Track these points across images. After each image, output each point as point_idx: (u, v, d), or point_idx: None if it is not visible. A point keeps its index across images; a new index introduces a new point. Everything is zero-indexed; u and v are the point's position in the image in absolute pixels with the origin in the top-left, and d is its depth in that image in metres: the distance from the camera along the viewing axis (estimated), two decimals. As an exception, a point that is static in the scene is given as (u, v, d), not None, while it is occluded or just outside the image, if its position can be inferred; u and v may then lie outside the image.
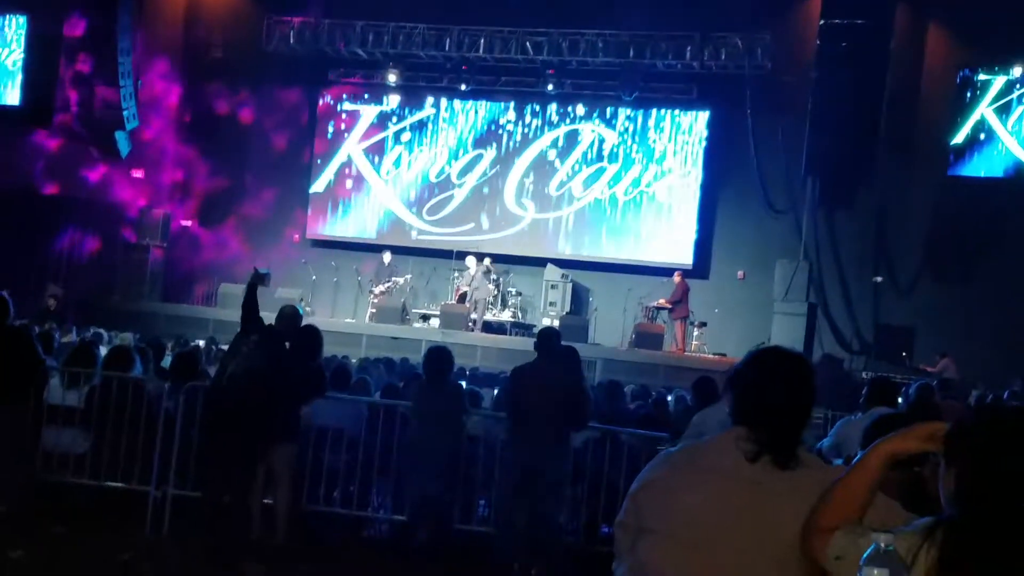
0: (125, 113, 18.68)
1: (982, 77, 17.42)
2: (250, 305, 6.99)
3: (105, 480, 7.43)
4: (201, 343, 12.78)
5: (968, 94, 17.48)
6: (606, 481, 7.20)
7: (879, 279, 17.77)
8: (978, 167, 17.40)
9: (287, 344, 7.05)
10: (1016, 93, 17.28)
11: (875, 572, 1.62)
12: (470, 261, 17.84)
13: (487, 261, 17.91)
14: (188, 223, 20.18)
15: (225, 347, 8.59)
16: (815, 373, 2.55)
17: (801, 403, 2.50)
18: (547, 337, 7.17)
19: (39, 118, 18.80)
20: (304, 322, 7.48)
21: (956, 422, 1.97)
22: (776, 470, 2.41)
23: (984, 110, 17.37)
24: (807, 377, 2.52)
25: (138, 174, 19.79)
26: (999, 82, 17.34)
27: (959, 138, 17.47)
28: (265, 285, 7.15)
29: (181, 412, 7.45)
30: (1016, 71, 17.26)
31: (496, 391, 9.11)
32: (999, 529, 1.80)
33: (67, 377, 7.75)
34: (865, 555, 1.74)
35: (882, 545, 1.74)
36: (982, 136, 17.41)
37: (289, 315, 7.24)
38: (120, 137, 18.95)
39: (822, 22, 16.55)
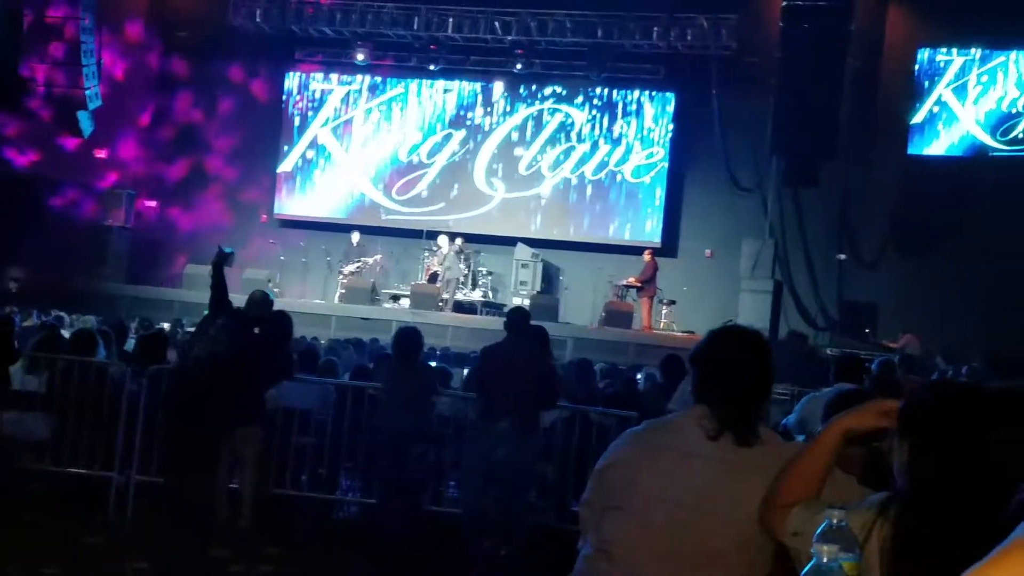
0: (88, 92, 18.38)
1: (941, 57, 17.62)
2: (218, 286, 6.94)
3: (67, 466, 7.35)
4: (166, 326, 12.66)
5: (927, 74, 17.69)
6: (576, 460, 7.24)
7: (843, 256, 17.96)
8: (938, 146, 17.62)
9: (256, 329, 7.00)
10: (973, 73, 17.49)
11: (825, 548, 1.63)
12: (442, 240, 17.81)
13: (459, 241, 17.88)
14: (153, 203, 19.95)
15: (191, 329, 8.52)
16: (772, 351, 2.58)
17: (759, 381, 2.54)
18: (516, 317, 7.19)
19: (0, 98, 18.45)
20: (273, 304, 7.44)
21: (908, 398, 2.00)
22: (737, 447, 2.45)
23: (943, 90, 17.59)
24: (764, 355, 2.56)
25: (101, 154, 19.51)
26: (957, 62, 17.55)
27: (919, 117, 17.70)
28: (229, 265, 7.10)
29: (145, 396, 7.37)
30: (974, 51, 17.47)
31: (466, 371, 9.11)
32: (949, 504, 1.82)
33: (28, 362, 7.65)
34: (817, 531, 1.76)
35: (834, 521, 1.75)
36: (941, 115, 17.64)
37: (259, 300, 7.20)
38: (83, 116, 18.65)
39: (785, 3, 16.62)
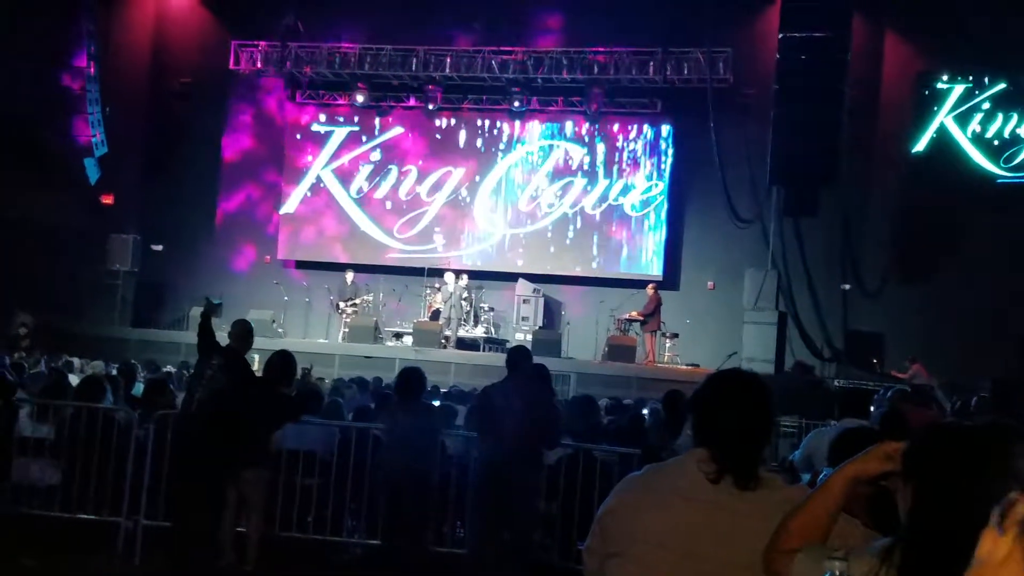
0: (94, 140, 18.67)
1: (940, 85, 17.69)
2: (205, 335, 7.10)
3: (76, 512, 7.37)
4: (172, 369, 12.70)
5: (927, 103, 17.74)
6: (581, 498, 7.21)
7: (847, 286, 17.94)
8: (940, 174, 17.61)
9: (254, 365, 7.07)
10: (974, 101, 17.56)
11: None
12: (448, 277, 17.86)
13: (464, 278, 17.95)
14: (158, 247, 20.07)
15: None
16: (773, 392, 2.60)
17: (756, 426, 2.54)
18: (517, 355, 7.18)
19: (8, 146, 18.62)
20: (253, 331, 7.50)
21: (912, 440, 1.98)
22: (737, 491, 2.46)
23: (944, 118, 17.62)
24: (762, 400, 2.56)
25: (107, 200, 19.67)
26: (957, 90, 17.61)
27: (920, 146, 17.71)
28: (217, 316, 7.22)
29: (152, 440, 7.40)
30: (974, 78, 17.54)
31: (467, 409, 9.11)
32: (953, 549, 1.76)
33: (37, 409, 7.69)
34: None
35: (836, 572, 1.74)
36: (943, 144, 17.64)
37: (240, 330, 7.29)
38: (89, 164, 18.89)
39: (781, 35, 16.74)
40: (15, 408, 7.56)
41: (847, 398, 6.68)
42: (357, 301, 18.28)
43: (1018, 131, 17.35)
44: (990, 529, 1.44)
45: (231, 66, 19.79)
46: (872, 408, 7.70)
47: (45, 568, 6.82)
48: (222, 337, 7.49)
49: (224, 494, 6.76)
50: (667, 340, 17.44)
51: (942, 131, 17.66)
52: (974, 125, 17.53)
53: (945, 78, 17.67)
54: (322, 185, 20.48)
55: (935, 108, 17.68)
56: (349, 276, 18.54)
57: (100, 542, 7.28)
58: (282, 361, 7.15)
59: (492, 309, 18.57)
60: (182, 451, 6.93)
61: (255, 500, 6.88)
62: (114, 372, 10.45)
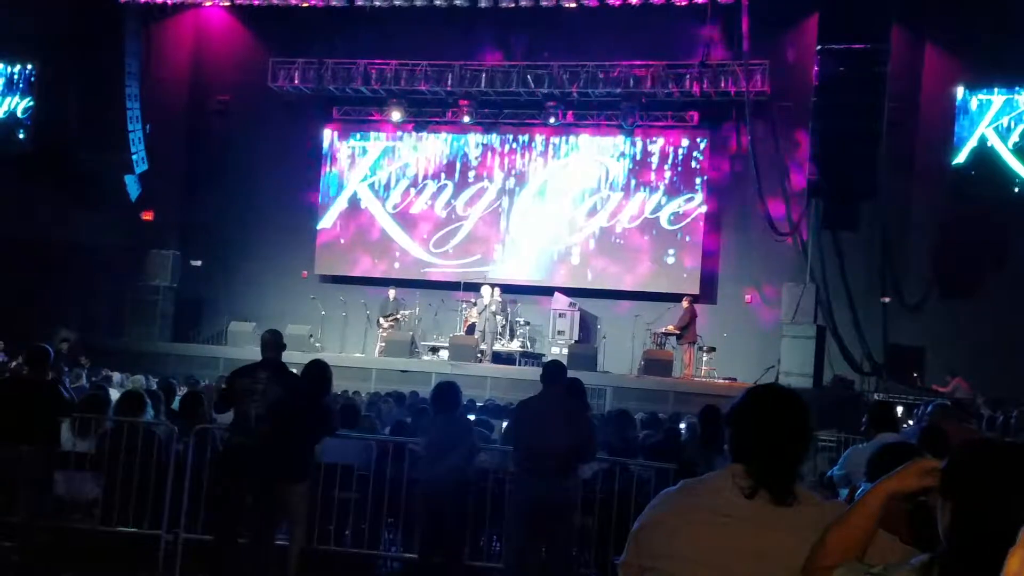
0: (134, 157, 18.97)
1: (981, 96, 17.46)
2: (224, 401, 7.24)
3: (117, 525, 7.45)
4: (211, 383, 12.83)
5: (967, 114, 17.51)
6: (616, 512, 7.19)
7: (887, 299, 17.73)
8: (981, 185, 17.35)
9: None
10: (1016, 112, 17.30)
11: None
12: (485, 291, 17.92)
13: (497, 291, 17.99)
14: (197, 263, 20.33)
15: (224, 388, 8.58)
16: (808, 409, 2.58)
17: (793, 441, 2.52)
18: (552, 369, 7.18)
19: (49, 163, 19.02)
20: (281, 338, 7.55)
21: (951, 456, 1.96)
22: (773, 506, 2.44)
23: (984, 130, 17.38)
24: (799, 417, 2.54)
25: (147, 216, 19.98)
26: (998, 101, 17.37)
27: (961, 157, 17.47)
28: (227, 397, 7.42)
29: (191, 455, 7.47)
30: (1016, 89, 17.29)
31: (505, 424, 9.12)
32: (991, 566, 1.74)
33: (78, 423, 7.79)
34: None
35: None
36: (984, 155, 17.38)
37: (274, 340, 7.34)
38: (129, 181, 19.19)
39: (819, 47, 16.63)
40: (57, 422, 7.64)
41: (875, 412, 6.49)
42: (398, 316, 18.40)
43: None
44: (1017, 548, 1.42)
45: (269, 83, 20.03)
46: (912, 423, 7.60)
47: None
48: (248, 356, 7.55)
49: (271, 508, 6.78)
50: (704, 354, 17.34)
51: (983, 142, 17.41)
52: (1015, 136, 17.27)
53: (985, 89, 17.44)
54: (359, 200, 20.64)
55: (975, 119, 17.45)
56: (392, 292, 18.66)
57: (141, 555, 7.36)
58: (320, 371, 7.14)
59: (528, 323, 18.58)
60: (240, 466, 6.90)
61: (300, 513, 6.88)
62: (154, 387, 10.58)
